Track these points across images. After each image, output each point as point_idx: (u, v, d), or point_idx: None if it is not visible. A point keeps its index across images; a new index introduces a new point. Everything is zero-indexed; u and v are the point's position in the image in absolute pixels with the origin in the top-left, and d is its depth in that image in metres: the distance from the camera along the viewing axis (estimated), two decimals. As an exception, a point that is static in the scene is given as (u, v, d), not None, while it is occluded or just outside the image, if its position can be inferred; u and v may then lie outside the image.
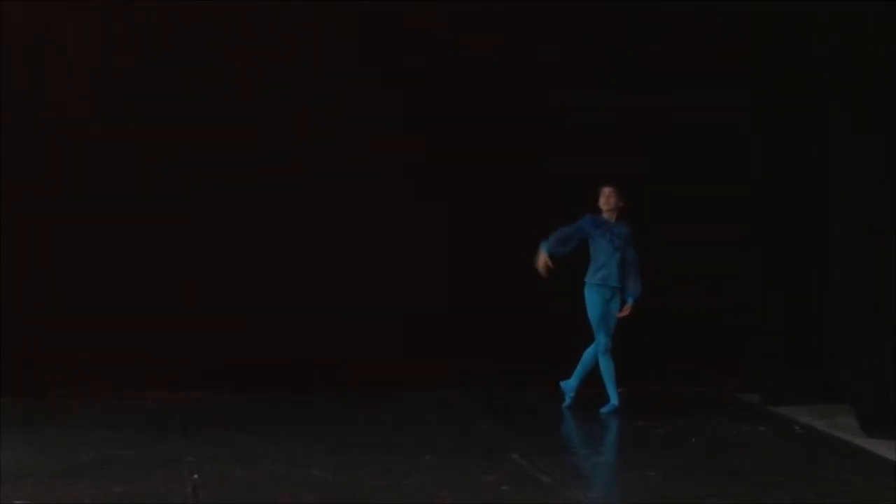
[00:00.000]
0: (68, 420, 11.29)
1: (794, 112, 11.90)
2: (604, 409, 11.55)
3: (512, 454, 9.94)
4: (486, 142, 12.58)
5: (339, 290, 12.62)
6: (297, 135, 12.57)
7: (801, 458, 10.07)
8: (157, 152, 12.43)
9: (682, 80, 12.72)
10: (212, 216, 12.51)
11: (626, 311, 11.67)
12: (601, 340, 11.66)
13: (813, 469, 9.64)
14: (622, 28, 12.79)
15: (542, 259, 11.59)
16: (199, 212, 12.49)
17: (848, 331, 11.12)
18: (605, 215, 11.73)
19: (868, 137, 10.71)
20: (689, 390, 12.53)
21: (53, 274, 12.37)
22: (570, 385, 11.81)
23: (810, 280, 11.91)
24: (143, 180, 12.44)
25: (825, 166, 11.42)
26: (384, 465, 9.61)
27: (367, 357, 12.52)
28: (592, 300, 11.69)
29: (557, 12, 12.74)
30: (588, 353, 11.75)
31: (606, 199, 11.72)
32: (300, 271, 12.59)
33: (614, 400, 11.62)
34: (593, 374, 11.83)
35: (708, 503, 8.56)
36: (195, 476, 9.26)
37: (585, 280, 11.72)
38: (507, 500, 8.71)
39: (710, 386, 12.65)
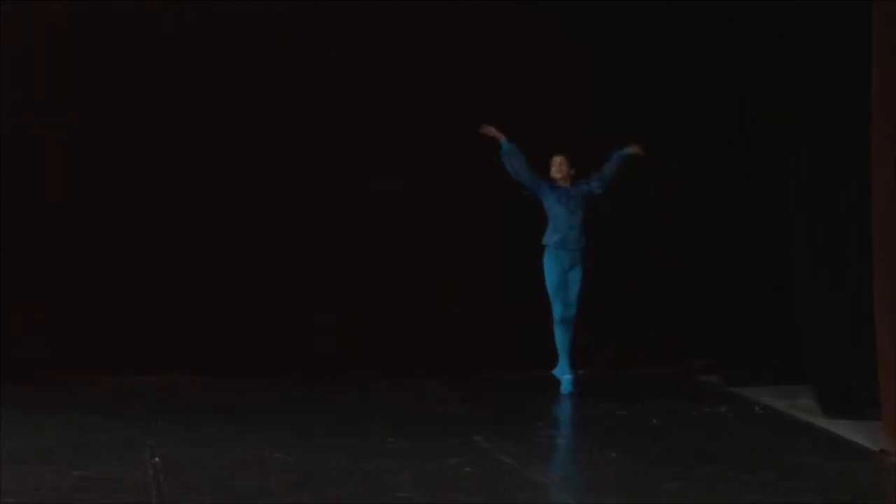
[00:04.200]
0: (34, 405, 11.24)
1: (760, 101, 11.96)
2: (562, 388, 11.57)
3: (475, 436, 9.95)
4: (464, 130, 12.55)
5: (308, 277, 12.61)
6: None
7: (762, 438, 10.12)
8: (144, 149, 12.44)
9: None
10: (187, 210, 12.50)
11: (634, 148, 11.86)
12: (557, 309, 11.67)
13: (775, 450, 9.69)
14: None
15: (493, 132, 11.68)
16: (175, 206, 12.50)
17: (809, 312, 11.18)
18: (560, 182, 11.78)
19: (832, 124, 10.74)
20: (651, 372, 12.58)
21: (20, 258, 12.32)
22: (560, 370, 11.79)
23: (772, 261, 11.97)
24: (120, 179, 12.44)
25: (791, 151, 11.47)
26: (349, 449, 9.61)
27: (334, 344, 12.52)
28: (549, 267, 11.72)
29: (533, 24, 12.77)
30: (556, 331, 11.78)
31: (558, 167, 11.77)
32: (270, 260, 12.58)
33: (566, 372, 11.65)
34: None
35: (671, 484, 8.58)
36: (156, 459, 9.23)
37: (543, 242, 11.76)
38: (470, 482, 8.71)
39: (675, 367, 12.69)
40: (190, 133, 12.48)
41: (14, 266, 12.28)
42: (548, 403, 11.48)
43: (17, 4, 12.30)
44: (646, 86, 12.67)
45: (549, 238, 11.75)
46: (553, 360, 11.94)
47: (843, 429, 10.11)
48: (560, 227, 11.70)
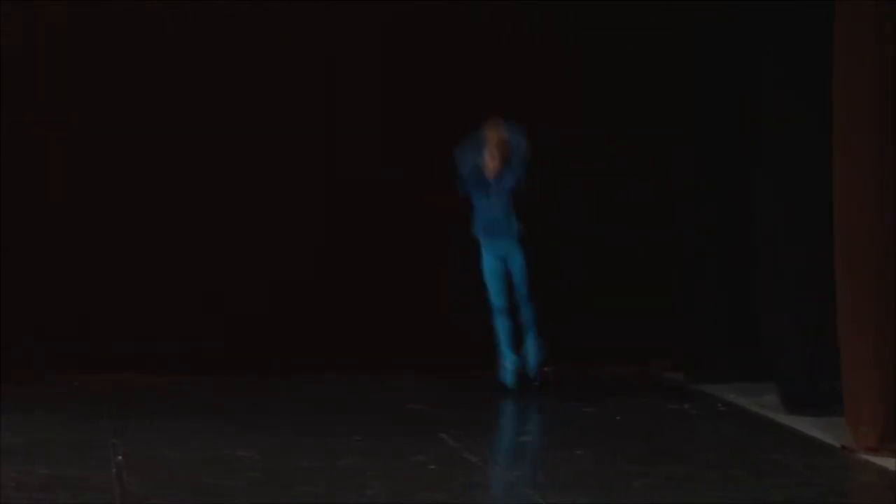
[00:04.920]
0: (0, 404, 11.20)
1: (727, 97, 12.00)
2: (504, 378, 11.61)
3: (441, 434, 9.95)
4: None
5: (271, 274, 12.57)
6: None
7: (727, 436, 10.16)
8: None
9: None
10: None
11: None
12: (492, 299, 11.63)
13: (740, 447, 9.73)
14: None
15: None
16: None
17: (772, 309, 11.23)
18: (486, 172, 11.60)
19: (798, 115, 10.79)
20: (615, 370, 12.60)
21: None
22: (506, 360, 11.76)
23: (735, 257, 12.01)
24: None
25: (755, 146, 11.51)
26: (315, 446, 9.59)
27: (297, 341, 12.49)
28: (484, 259, 11.66)
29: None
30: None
31: (487, 163, 11.56)
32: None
33: (509, 359, 11.63)
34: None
35: (637, 482, 8.60)
36: (119, 457, 9.19)
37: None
38: (435, 480, 8.71)
39: (639, 365, 12.71)
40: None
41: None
42: (514, 402, 11.48)
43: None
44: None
45: (477, 230, 11.68)
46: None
47: (806, 425, 10.16)
48: (484, 214, 11.61)
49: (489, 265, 11.65)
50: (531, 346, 11.72)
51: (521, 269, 11.63)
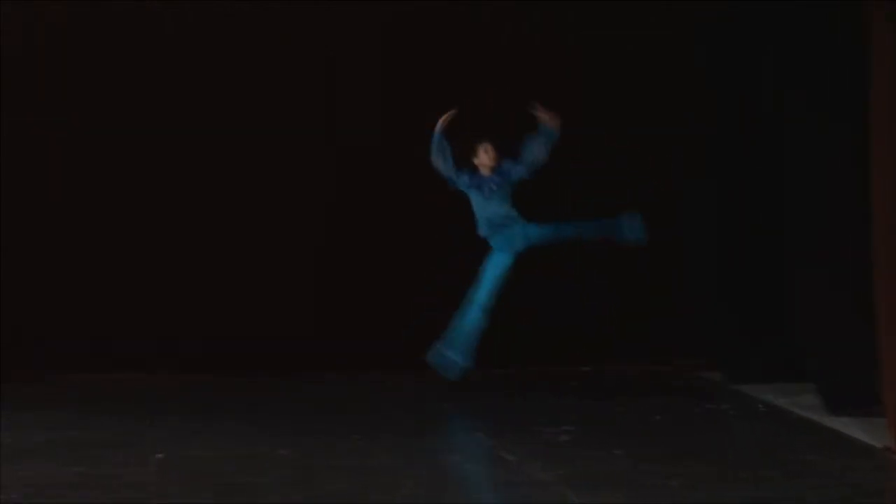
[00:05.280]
0: (33, 402, 11.26)
1: (747, 83, 11.94)
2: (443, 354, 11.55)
3: (477, 433, 9.93)
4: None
5: (296, 274, 12.60)
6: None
7: (764, 436, 10.08)
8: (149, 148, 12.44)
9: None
10: (187, 209, 12.54)
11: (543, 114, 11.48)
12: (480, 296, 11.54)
13: (777, 447, 9.65)
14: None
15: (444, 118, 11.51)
16: (175, 205, 12.56)
17: (811, 308, 11.14)
18: (482, 171, 11.65)
19: (826, 113, 10.71)
20: (652, 369, 12.56)
21: (26, 256, 12.33)
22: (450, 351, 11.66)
23: (773, 257, 11.93)
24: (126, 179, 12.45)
25: (783, 141, 11.45)
26: (347, 446, 9.58)
27: (334, 340, 12.50)
28: (495, 253, 11.63)
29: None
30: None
31: (482, 156, 11.62)
32: (268, 257, 12.59)
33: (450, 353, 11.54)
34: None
35: (672, 482, 8.55)
36: (157, 456, 9.21)
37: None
38: (472, 479, 8.69)
39: (677, 365, 12.67)
40: (190, 133, 12.49)
41: (14, 264, 12.29)
42: (550, 401, 11.45)
43: (17, 4, 12.31)
44: (646, 86, 12.64)
45: (481, 230, 11.67)
46: (549, 352, 11.94)
47: (846, 426, 10.06)
48: (481, 214, 11.61)
49: (496, 261, 11.56)
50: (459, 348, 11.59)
51: (494, 274, 11.52)
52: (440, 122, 11.56)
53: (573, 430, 10.15)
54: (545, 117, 11.50)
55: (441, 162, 11.62)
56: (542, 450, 9.54)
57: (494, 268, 11.58)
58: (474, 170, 11.68)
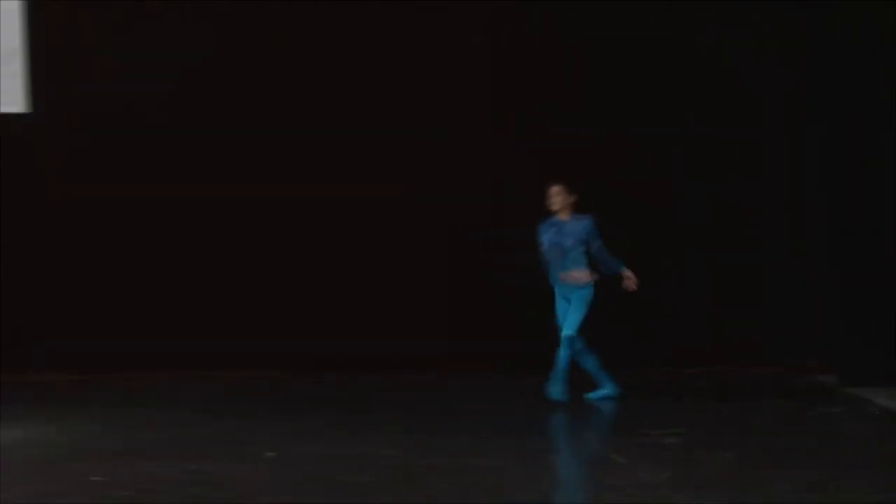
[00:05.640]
0: (130, 400, 11.43)
1: (852, 83, 11.79)
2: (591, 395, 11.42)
3: (585, 434, 9.90)
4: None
5: (386, 275, 12.63)
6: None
7: (876, 440, 9.93)
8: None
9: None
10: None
11: (629, 282, 11.25)
12: (562, 336, 11.34)
13: (889, 452, 9.50)
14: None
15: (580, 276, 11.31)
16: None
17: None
18: (559, 216, 11.37)
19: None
20: (765, 371, 12.43)
21: (111, 260, 12.50)
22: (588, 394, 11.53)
23: (891, 260, 11.76)
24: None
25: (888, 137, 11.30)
26: (452, 445, 9.60)
27: (439, 341, 12.53)
28: (556, 298, 11.44)
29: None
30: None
31: (553, 199, 11.35)
32: (355, 261, 12.67)
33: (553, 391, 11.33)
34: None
35: (781, 484, 8.45)
36: (267, 454, 9.29)
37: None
38: (581, 481, 8.65)
39: (790, 367, 12.54)
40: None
41: (103, 265, 12.47)
42: (658, 402, 11.38)
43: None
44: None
45: (551, 273, 11.42)
46: (658, 354, 12.03)
47: (961, 431, 9.92)
48: (552, 262, 11.36)
49: (559, 301, 11.39)
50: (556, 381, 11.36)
51: (577, 309, 11.24)
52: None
53: (682, 432, 10.07)
54: (626, 283, 11.27)
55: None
56: (651, 452, 9.48)
57: (575, 311, 11.25)
58: (551, 216, 11.38)
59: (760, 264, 12.67)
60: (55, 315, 12.58)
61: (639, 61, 12.73)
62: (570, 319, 11.22)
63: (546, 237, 11.34)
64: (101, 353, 12.51)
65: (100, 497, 8.16)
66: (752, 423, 10.49)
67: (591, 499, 8.24)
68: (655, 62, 12.71)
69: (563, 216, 11.35)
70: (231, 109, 12.66)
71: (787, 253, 12.65)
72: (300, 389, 11.98)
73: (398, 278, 12.76)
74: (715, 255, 12.58)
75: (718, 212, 12.67)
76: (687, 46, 12.67)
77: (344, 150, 12.71)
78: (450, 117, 12.59)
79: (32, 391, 11.99)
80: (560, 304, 11.37)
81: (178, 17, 12.64)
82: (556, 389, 11.28)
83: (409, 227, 12.73)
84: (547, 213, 11.29)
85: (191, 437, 9.97)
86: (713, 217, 12.59)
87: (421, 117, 12.60)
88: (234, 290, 12.69)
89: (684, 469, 8.98)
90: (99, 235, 12.64)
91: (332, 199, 12.71)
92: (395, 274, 12.77)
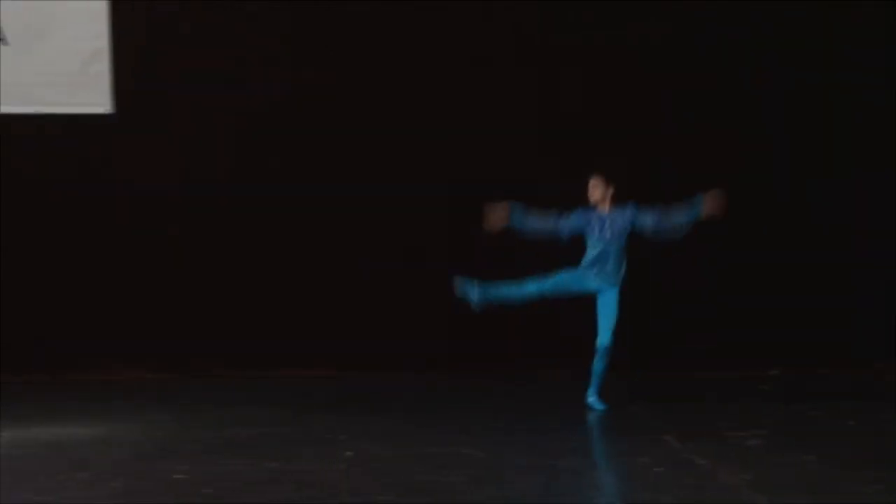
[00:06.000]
0: (215, 398, 11.49)
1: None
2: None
3: (665, 436, 9.85)
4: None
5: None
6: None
7: (963, 443, 9.83)
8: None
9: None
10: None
11: (713, 202, 10.74)
12: (542, 284, 10.96)
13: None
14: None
15: (497, 219, 10.93)
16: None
17: None
18: (597, 207, 10.97)
19: None
20: (847, 373, 12.32)
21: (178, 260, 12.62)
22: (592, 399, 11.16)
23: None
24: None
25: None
26: (533, 445, 9.59)
27: (519, 340, 12.52)
28: (574, 272, 10.96)
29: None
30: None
31: (591, 191, 10.94)
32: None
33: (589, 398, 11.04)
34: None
35: (865, 488, 8.37)
36: (349, 453, 9.32)
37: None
38: (662, 483, 8.62)
39: (873, 369, 12.43)
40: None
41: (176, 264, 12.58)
42: (738, 404, 11.31)
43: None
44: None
45: (583, 263, 10.98)
46: (739, 355, 11.97)
47: None
48: (595, 257, 10.90)
49: (574, 275, 10.94)
50: (593, 397, 11.04)
51: (612, 317, 10.89)
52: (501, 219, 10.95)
53: (764, 433, 10.01)
54: (711, 205, 10.79)
55: (535, 232, 11.00)
56: (732, 454, 9.42)
57: (610, 310, 10.91)
58: (589, 207, 10.99)
59: (840, 264, 12.56)
60: (139, 313, 12.66)
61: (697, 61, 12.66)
62: (604, 324, 10.88)
63: (584, 224, 10.91)
64: (178, 353, 12.59)
65: (182, 495, 8.22)
66: (833, 424, 10.39)
67: (674, 500, 8.19)
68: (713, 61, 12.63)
69: (603, 208, 10.97)
70: (315, 111, 12.71)
71: (871, 252, 12.53)
72: (363, 388, 11.99)
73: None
74: (794, 255, 12.49)
75: (797, 212, 12.56)
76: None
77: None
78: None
79: (120, 389, 12.10)
80: (576, 280, 10.92)
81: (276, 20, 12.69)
82: (593, 401, 11.01)
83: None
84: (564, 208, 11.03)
85: (268, 435, 10.02)
86: (791, 218, 12.48)
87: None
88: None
89: (766, 471, 8.92)
90: (174, 234, 12.71)
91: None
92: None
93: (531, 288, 10.98)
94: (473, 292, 10.99)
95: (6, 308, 12.36)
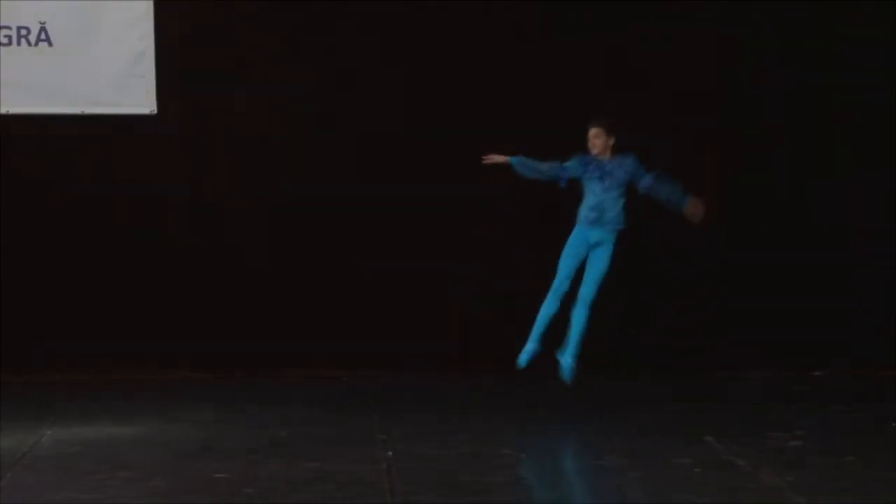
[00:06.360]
0: (255, 398, 11.51)
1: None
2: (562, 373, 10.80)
3: (705, 437, 9.82)
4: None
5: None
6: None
7: None
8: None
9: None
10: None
11: (695, 207, 10.68)
12: (557, 284, 10.73)
13: None
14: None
15: (496, 158, 10.83)
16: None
17: None
18: (597, 155, 10.75)
19: None
20: (888, 374, 12.25)
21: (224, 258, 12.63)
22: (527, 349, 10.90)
23: None
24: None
25: None
26: (573, 447, 9.58)
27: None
28: (571, 238, 10.78)
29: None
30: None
31: (592, 141, 10.74)
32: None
33: (564, 360, 10.75)
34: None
35: (909, 490, 8.34)
36: (389, 453, 9.33)
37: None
38: (702, 484, 8.60)
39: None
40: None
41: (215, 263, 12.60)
42: (780, 405, 11.26)
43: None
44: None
45: (579, 214, 10.76)
46: (778, 356, 11.83)
47: None
48: (594, 204, 10.66)
49: (574, 243, 10.74)
50: (570, 349, 10.77)
51: (604, 262, 10.68)
52: (500, 159, 10.85)
53: (805, 435, 9.97)
54: (691, 212, 10.73)
55: (535, 174, 10.85)
56: (773, 455, 9.39)
57: (600, 262, 10.70)
58: (588, 155, 10.73)
59: (884, 265, 12.50)
60: (173, 314, 12.67)
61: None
62: (591, 276, 10.65)
63: (583, 171, 10.70)
64: (223, 353, 12.59)
65: (224, 495, 8.25)
66: (877, 426, 10.33)
67: (713, 501, 8.17)
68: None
69: (604, 156, 10.75)
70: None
71: (871, 252, 12.48)
72: (397, 387, 11.98)
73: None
74: (834, 254, 12.43)
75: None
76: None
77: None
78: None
79: (157, 389, 12.12)
80: (576, 246, 10.74)
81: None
82: (567, 360, 10.74)
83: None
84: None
85: (306, 435, 10.03)
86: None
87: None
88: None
89: (808, 473, 8.89)
90: (208, 234, 12.72)
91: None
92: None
93: (552, 298, 10.79)
94: (532, 353, 10.79)
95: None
